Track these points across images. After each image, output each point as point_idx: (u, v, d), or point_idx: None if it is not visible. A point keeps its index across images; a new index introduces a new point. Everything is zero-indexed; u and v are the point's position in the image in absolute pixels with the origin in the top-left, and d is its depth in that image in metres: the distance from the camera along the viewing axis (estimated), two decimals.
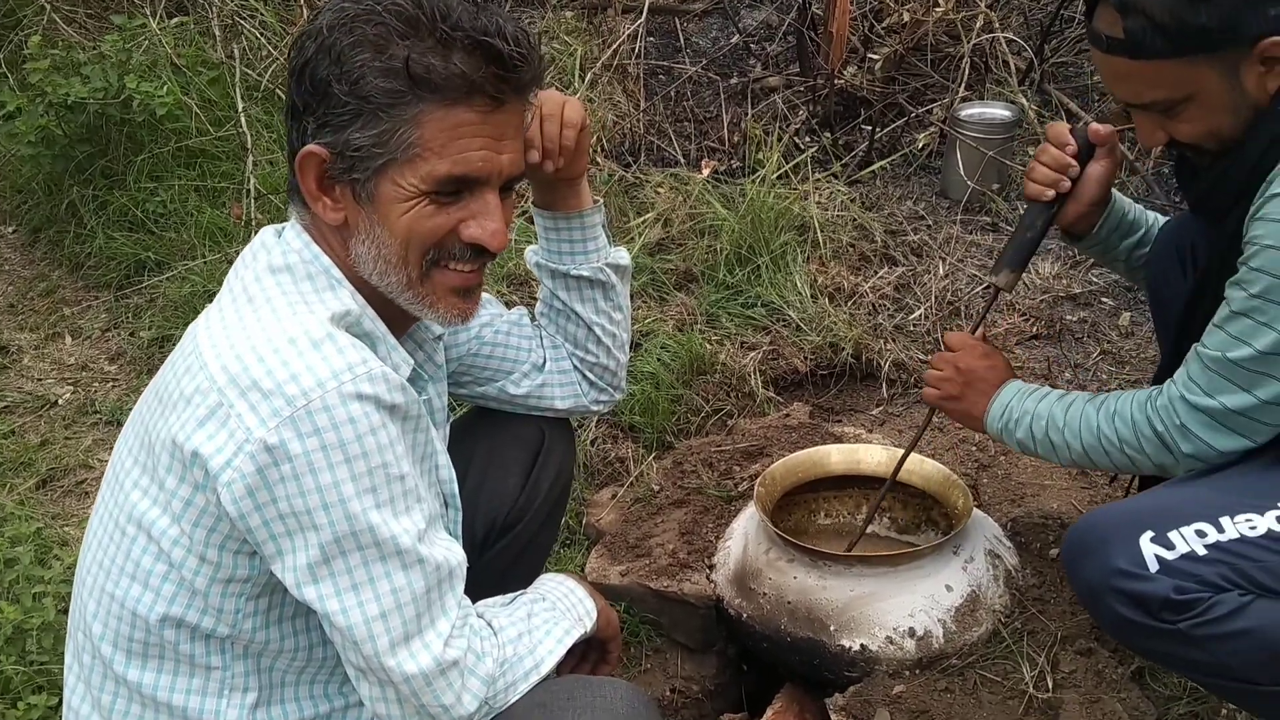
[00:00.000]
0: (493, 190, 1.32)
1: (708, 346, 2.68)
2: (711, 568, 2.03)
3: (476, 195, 1.31)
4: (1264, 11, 1.36)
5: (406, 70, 1.23)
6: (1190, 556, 1.45)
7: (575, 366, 1.73)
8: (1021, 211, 1.80)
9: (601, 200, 1.69)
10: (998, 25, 3.49)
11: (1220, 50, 1.40)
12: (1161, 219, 1.87)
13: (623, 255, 1.73)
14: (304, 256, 1.32)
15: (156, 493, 1.28)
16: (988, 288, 1.81)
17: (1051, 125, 1.73)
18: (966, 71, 3.48)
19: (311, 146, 1.27)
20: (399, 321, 1.40)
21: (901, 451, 1.98)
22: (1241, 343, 1.46)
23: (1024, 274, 1.99)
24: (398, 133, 1.25)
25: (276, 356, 1.20)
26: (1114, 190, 1.78)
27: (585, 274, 1.68)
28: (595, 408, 1.77)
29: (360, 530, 1.21)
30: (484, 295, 1.70)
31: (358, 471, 1.20)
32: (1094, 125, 1.68)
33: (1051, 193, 1.69)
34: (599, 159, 3.45)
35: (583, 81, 3.78)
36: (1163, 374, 1.79)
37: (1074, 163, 1.68)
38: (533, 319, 1.75)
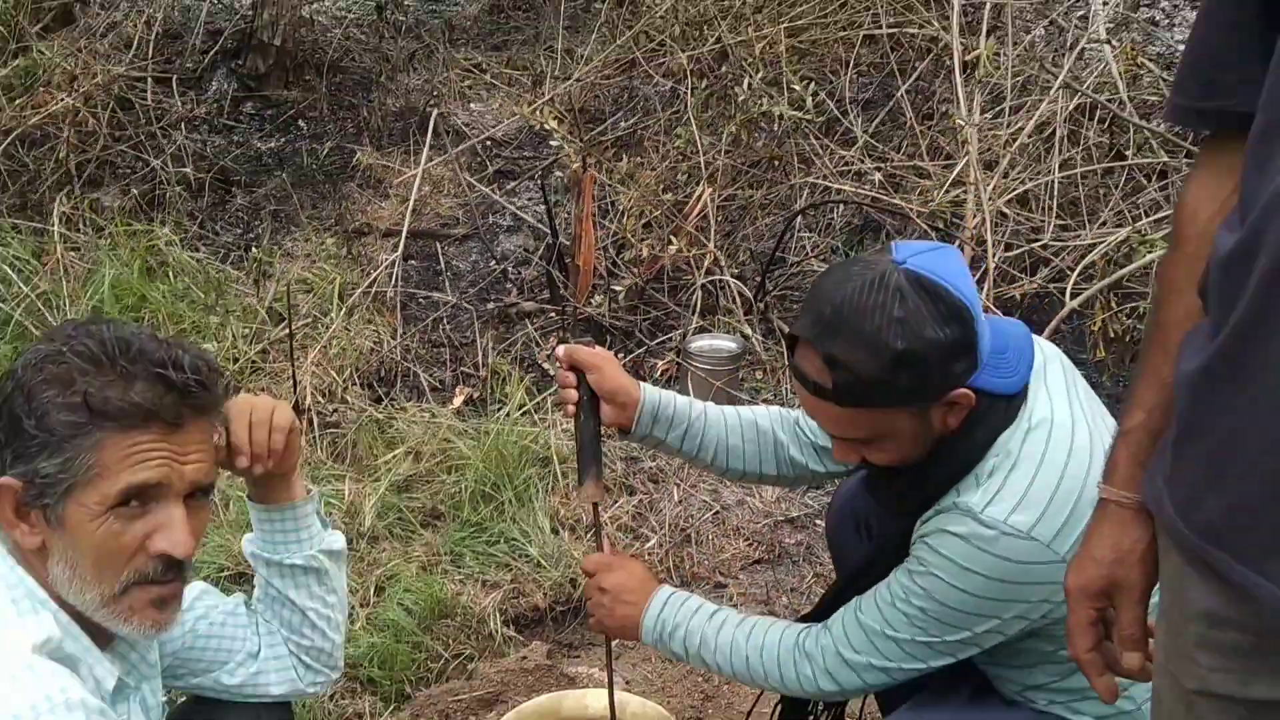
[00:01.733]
0: (176, 500, 1.42)
1: (450, 588, 2.77)
2: None
3: (161, 506, 1.40)
4: (952, 369, 1.56)
5: (85, 403, 1.35)
6: None
7: (291, 651, 1.79)
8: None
9: (315, 490, 1.79)
10: (724, 263, 3.82)
11: (915, 403, 1.58)
12: (713, 412, 2.04)
13: (337, 540, 1.82)
14: (8, 580, 1.37)
15: None
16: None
17: (560, 350, 1.93)
18: (699, 304, 3.78)
19: (4, 478, 1.35)
20: (107, 630, 1.45)
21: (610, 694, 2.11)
22: (898, 631, 1.65)
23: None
24: (79, 458, 1.35)
25: None
26: (645, 386, 1.96)
27: (299, 562, 1.76)
28: (311, 690, 1.83)
29: None
30: (202, 585, 1.76)
31: None
32: (559, 350, 1.92)
33: (572, 407, 1.90)
34: (350, 395, 3.55)
35: (341, 309, 3.91)
36: (823, 608, 1.93)
37: (571, 377, 1.89)
38: (249, 606, 1.81)
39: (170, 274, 4.04)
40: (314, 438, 3.40)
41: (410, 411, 3.50)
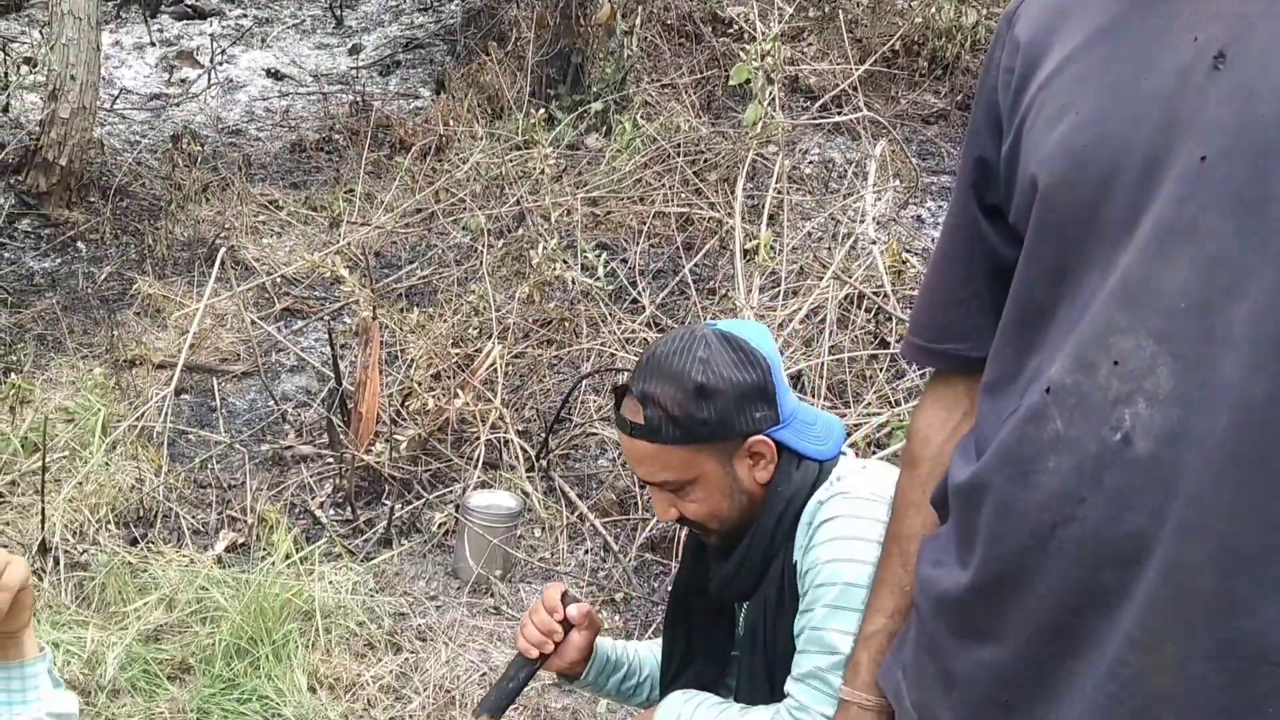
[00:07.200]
0: None
1: None
2: None
3: None
4: (750, 413, 1.65)
5: None
6: None
7: None
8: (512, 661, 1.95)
9: (48, 648, 1.69)
10: (509, 420, 3.86)
11: (718, 440, 1.65)
12: (643, 649, 2.02)
13: (68, 702, 1.71)
14: None
15: None
16: None
17: (549, 588, 1.90)
18: (481, 459, 3.79)
19: None
20: None
21: None
22: (826, 654, 1.57)
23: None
24: None
25: None
26: (599, 639, 1.94)
27: None
28: None
29: None
30: None
31: None
32: (571, 609, 1.86)
33: (536, 652, 1.86)
34: (104, 535, 3.36)
35: (103, 443, 3.72)
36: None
37: (559, 629, 1.86)
38: None
39: None
40: (59, 579, 3.20)
41: (167, 556, 3.33)
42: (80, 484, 3.51)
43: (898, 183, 5.00)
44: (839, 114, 5.26)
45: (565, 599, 1.88)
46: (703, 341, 1.68)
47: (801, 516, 1.69)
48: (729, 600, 1.85)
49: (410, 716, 2.90)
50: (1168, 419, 0.99)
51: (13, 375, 4.00)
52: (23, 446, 3.69)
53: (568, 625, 1.87)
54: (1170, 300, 1.01)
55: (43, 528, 3.29)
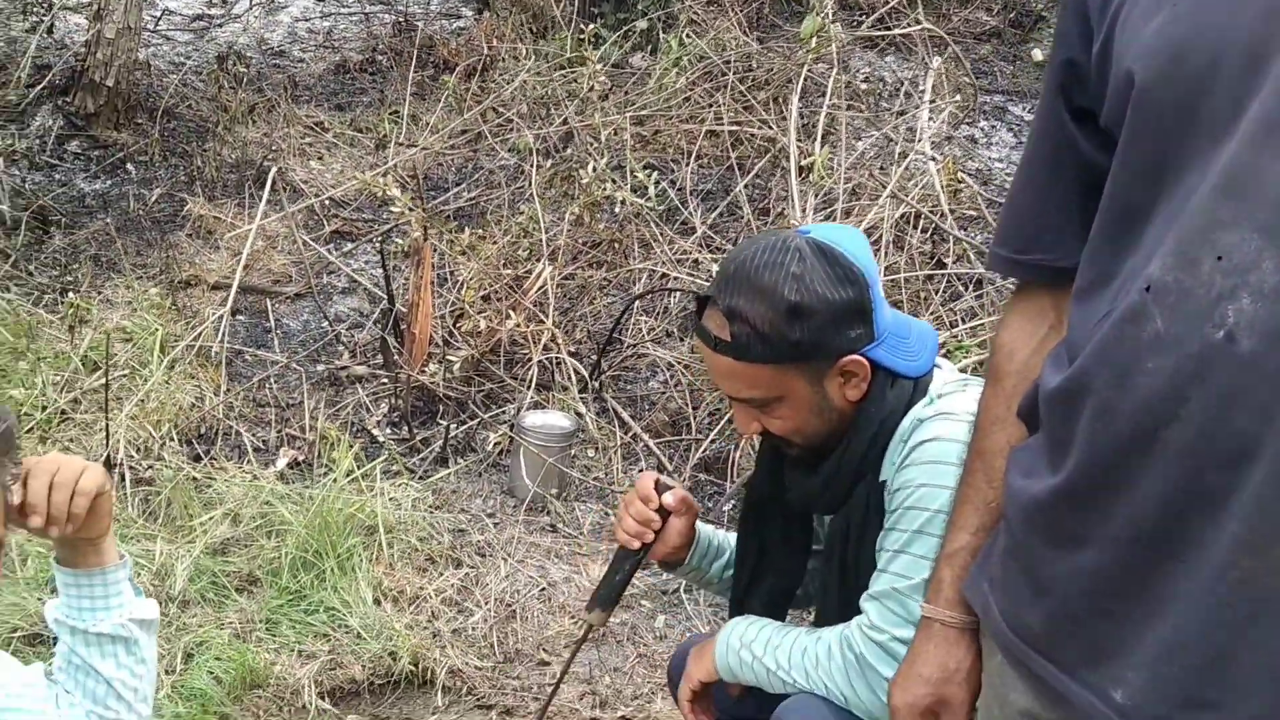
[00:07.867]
0: None
1: (263, 657, 2.68)
2: None
3: None
4: (845, 333, 1.60)
5: None
6: None
7: None
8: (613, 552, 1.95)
9: (128, 555, 1.72)
10: (561, 341, 3.86)
11: (809, 361, 1.60)
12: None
13: (149, 608, 1.75)
14: None
15: None
16: (583, 625, 1.94)
17: (641, 477, 1.87)
18: (534, 379, 3.80)
19: None
20: None
21: None
22: (905, 577, 1.57)
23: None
24: None
25: None
26: (699, 524, 1.91)
27: (106, 630, 1.69)
28: None
29: None
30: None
31: None
32: (666, 496, 1.82)
33: (637, 543, 1.84)
34: (167, 451, 3.41)
35: (162, 362, 3.77)
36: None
37: (657, 518, 1.82)
38: (50, 674, 1.72)
39: None
40: (125, 494, 3.26)
41: (230, 472, 3.39)
42: (142, 402, 3.56)
43: (959, 97, 4.89)
44: (895, 28, 5.14)
45: (659, 486, 1.83)
46: (796, 254, 1.59)
47: (896, 432, 1.64)
48: (810, 513, 1.83)
49: (473, 628, 2.95)
50: (1273, 314, 0.97)
51: (70, 295, 4.04)
52: (83, 365, 3.74)
53: (664, 512, 1.83)
54: (1277, 192, 0.98)
55: (107, 444, 3.35)
